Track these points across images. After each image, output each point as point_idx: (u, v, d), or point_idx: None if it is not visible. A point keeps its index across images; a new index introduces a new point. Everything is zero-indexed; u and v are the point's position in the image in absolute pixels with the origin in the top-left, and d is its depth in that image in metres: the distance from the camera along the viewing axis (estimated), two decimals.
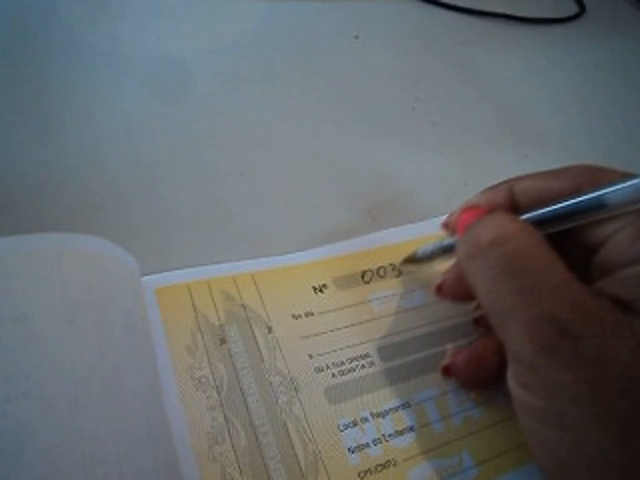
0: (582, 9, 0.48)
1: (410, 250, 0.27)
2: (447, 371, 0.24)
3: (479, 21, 0.46)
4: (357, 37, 0.42)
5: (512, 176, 0.33)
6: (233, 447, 0.21)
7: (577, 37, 0.46)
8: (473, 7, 0.46)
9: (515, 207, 0.22)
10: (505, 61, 0.42)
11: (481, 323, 0.25)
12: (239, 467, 0.20)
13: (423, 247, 0.25)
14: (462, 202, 0.31)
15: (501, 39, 0.44)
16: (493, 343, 0.22)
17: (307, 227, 0.29)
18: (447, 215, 0.24)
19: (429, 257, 0.25)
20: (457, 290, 0.23)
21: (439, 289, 0.24)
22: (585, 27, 0.47)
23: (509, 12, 0.46)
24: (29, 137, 0.31)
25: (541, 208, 0.20)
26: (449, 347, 0.25)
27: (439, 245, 0.24)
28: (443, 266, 0.24)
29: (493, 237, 0.18)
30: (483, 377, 0.23)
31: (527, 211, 0.21)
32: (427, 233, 0.29)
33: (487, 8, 0.46)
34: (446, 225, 0.24)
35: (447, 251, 0.24)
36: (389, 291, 0.26)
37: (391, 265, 0.27)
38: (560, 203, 0.20)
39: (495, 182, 0.33)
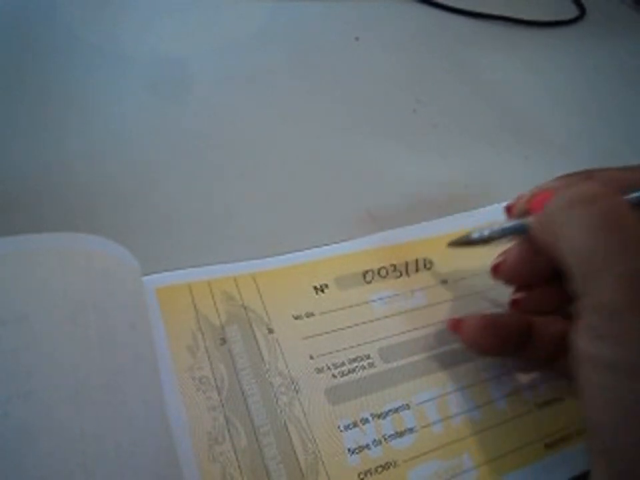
0: (582, 12, 0.49)
1: (410, 251, 0.27)
2: (455, 326, 0.24)
3: (479, 24, 0.46)
4: (357, 39, 0.42)
5: (513, 178, 0.34)
6: (233, 447, 0.21)
7: (577, 40, 0.46)
8: (473, 10, 0.46)
9: None
10: (505, 64, 0.42)
11: (518, 305, 0.24)
12: (239, 467, 0.20)
13: (479, 230, 0.25)
14: (462, 203, 0.31)
15: (501, 41, 0.45)
16: (512, 318, 0.23)
17: (308, 227, 0.29)
18: (506, 203, 0.24)
19: (486, 239, 0.24)
20: (516, 271, 0.23)
21: (496, 269, 0.24)
22: (585, 30, 0.47)
23: (509, 15, 0.46)
24: (29, 136, 0.31)
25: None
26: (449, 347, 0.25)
27: (500, 227, 0.24)
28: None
29: (594, 192, 0.19)
30: (488, 342, 0.23)
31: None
32: (428, 234, 0.29)
33: (487, 10, 0.46)
34: (510, 208, 0.24)
35: (508, 233, 0.23)
36: (390, 291, 0.26)
37: (392, 265, 0.27)
38: None
39: (495, 185, 0.33)
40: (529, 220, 0.22)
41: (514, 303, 0.24)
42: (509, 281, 0.24)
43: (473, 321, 0.24)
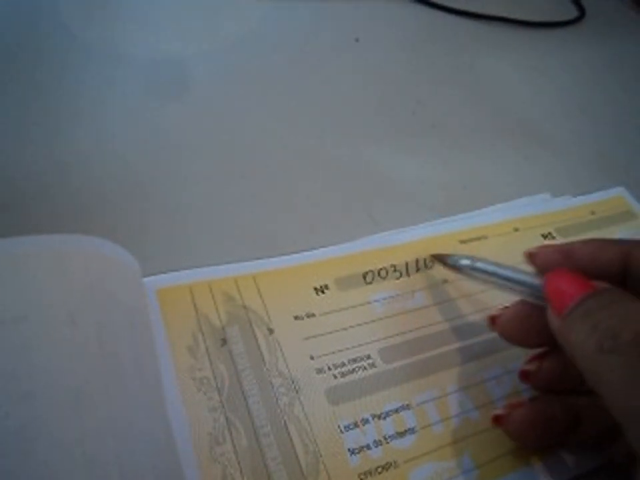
0: (582, 13, 0.49)
1: (410, 251, 0.27)
2: (498, 420, 0.22)
3: (479, 25, 0.46)
4: (357, 40, 0.42)
5: (512, 179, 0.34)
6: (233, 447, 0.21)
7: (577, 41, 0.46)
8: (473, 11, 0.46)
9: (623, 277, 0.20)
10: (505, 65, 0.42)
11: (527, 378, 0.22)
12: (239, 467, 0.20)
13: (463, 258, 0.24)
14: (462, 204, 0.31)
15: (501, 42, 0.45)
16: (557, 407, 0.21)
17: (308, 228, 0.29)
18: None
19: (465, 270, 0.23)
20: (514, 330, 0.22)
21: (493, 321, 0.22)
22: (584, 31, 0.47)
23: (509, 16, 0.46)
24: (29, 138, 0.31)
25: None
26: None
27: (526, 280, 0.21)
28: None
29: (636, 332, 0.16)
30: (535, 438, 0.22)
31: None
32: (428, 235, 0.29)
33: (487, 11, 0.46)
34: (531, 256, 0.22)
35: (525, 286, 0.21)
36: (390, 292, 0.26)
37: (392, 266, 0.27)
38: None
39: (495, 186, 0.33)
40: (553, 320, 0.19)
41: (523, 375, 0.22)
42: (506, 338, 0.22)
43: (519, 416, 0.21)
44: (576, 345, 0.18)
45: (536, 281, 0.21)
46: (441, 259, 0.26)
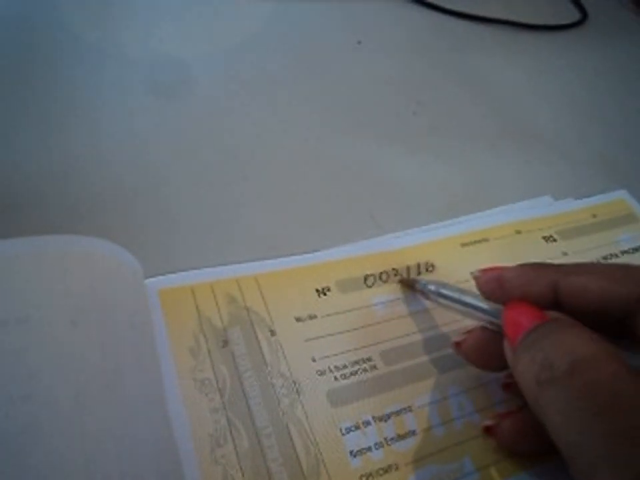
0: (584, 16, 0.49)
1: (412, 255, 0.27)
2: (489, 431, 0.22)
3: (481, 27, 0.46)
4: (359, 42, 0.42)
5: (513, 182, 0.34)
6: (235, 449, 0.21)
7: (579, 44, 0.46)
8: (475, 13, 0.46)
9: (557, 304, 0.20)
10: (506, 67, 0.43)
11: (510, 389, 0.23)
12: (240, 469, 0.20)
13: (430, 283, 0.25)
14: (463, 207, 0.31)
15: (503, 45, 0.45)
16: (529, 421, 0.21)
17: (310, 230, 0.29)
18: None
19: (432, 296, 0.24)
20: (477, 355, 0.22)
21: (458, 346, 0.23)
22: (587, 34, 0.47)
23: (511, 18, 0.46)
24: (32, 139, 0.31)
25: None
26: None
27: (459, 296, 0.23)
28: None
29: (571, 362, 0.16)
30: (527, 447, 0.22)
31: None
32: (430, 237, 0.29)
33: (489, 14, 0.46)
34: (475, 279, 0.22)
35: (461, 304, 0.23)
36: (391, 295, 0.26)
37: (393, 269, 0.27)
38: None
39: (496, 188, 0.33)
40: (507, 350, 0.19)
41: (505, 386, 0.23)
42: (470, 361, 0.23)
43: (508, 425, 0.22)
44: (521, 376, 0.18)
45: (496, 310, 0.21)
46: (409, 283, 0.26)
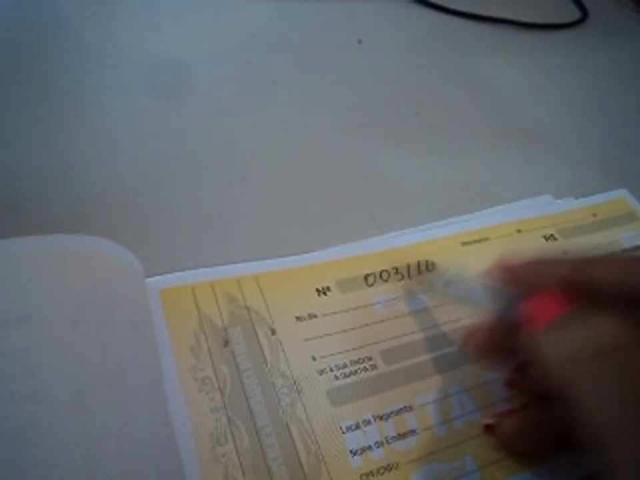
0: (584, 15, 0.49)
1: (412, 253, 0.27)
2: (489, 430, 0.22)
3: (482, 27, 0.46)
4: (360, 42, 0.42)
5: (513, 181, 0.34)
6: (235, 448, 0.21)
7: (580, 43, 0.46)
8: (476, 13, 0.46)
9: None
10: (507, 67, 0.42)
11: (513, 386, 0.23)
12: (241, 468, 0.20)
13: (445, 279, 0.25)
14: (464, 206, 0.31)
15: (503, 44, 0.45)
16: (548, 415, 0.21)
17: (310, 229, 0.29)
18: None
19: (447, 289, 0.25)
20: (487, 349, 0.22)
21: (466, 342, 0.23)
22: (587, 33, 0.47)
23: (512, 17, 0.46)
24: (34, 139, 0.31)
25: None
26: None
27: (499, 303, 0.22)
28: None
29: (606, 342, 0.16)
30: (527, 446, 0.22)
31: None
32: (430, 236, 0.29)
33: (490, 13, 0.46)
34: (489, 271, 0.22)
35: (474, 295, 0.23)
36: (391, 294, 0.26)
37: (394, 268, 0.27)
38: None
39: (496, 188, 0.33)
40: (528, 336, 0.19)
41: (508, 383, 0.23)
42: (480, 357, 0.22)
43: (509, 425, 0.22)
44: (549, 357, 0.18)
45: (509, 300, 0.21)
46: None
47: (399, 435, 0.22)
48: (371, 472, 0.21)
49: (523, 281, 0.21)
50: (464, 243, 0.29)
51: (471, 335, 0.22)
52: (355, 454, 0.22)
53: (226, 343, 0.23)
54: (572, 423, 0.17)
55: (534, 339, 0.19)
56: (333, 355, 0.24)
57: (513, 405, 0.23)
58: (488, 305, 0.22)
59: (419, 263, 0.28)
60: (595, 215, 0.32)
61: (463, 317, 0.26)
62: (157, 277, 0.25)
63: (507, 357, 0.21)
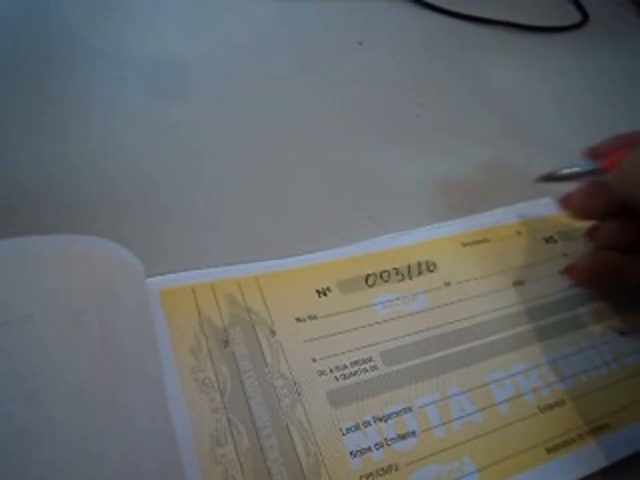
0: (585, 18, 0.49)
1: (413, 254, 0.27)
2: (570, 272, 0.27)
3: (482, 29, 0.46)
4: (360, 43, 0.42)
5: (514, 183, 0.34)
6: (235, 449, 0.21)
7: (580, 45, 0.46)
8: (477, 15, 0.46)
9: None
10: (508, 69, 0.43)
11: (595, 235, 0.27)
12: (241, 469, 0.20)
13: (566, 168, 0.28)
14: (465, 207, 0.31)
15: (504, 46, 0.45)
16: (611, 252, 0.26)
17: (310, 230, 0.29)
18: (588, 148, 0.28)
19: (571, 176, 0.28)
20: (584, 205, 0.27)
21: (565, 201, 0.27)
22: (588, 36, 0.47)
23: (512, 20, 0.46)
24: (32, 139, 0.31)
25: None
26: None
27: (587, 168, 0.27)
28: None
29: None
30: (604, 282, 0.27)
31: None
32: (431, 237, 0.29)
33: (491, 16, 0.46)
34: (593, 151, 0.27)
35: (591, 173, 0.27)
36: (392, 295, 0.26)
37: (394, 269, 0.27)
38: None
39: (497, 189, 0.33)
40: (608, 176, 0.25)
41: (591, 232, 0.27)
42: (576, 214, 0.27)
43: (583, 262, 0.27)
44: (623, 169, 0.23)
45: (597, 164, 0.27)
46: (551, 177, 0.29)
47: (399, 436, 0.22)
48: (370, 473, 0.21)
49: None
50: (464, 244, 0.29)
51: (569, 195, 0.27)
52: (354, 455, 0.22)
53: (226, 343, 0.23)
54: None
55: (615, 175, 0.24)
56: (333, 356, 0.24)
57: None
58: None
59: (419, 263, 0.28)
60: None
61: (463, 318, 0.26)
62: (157, 277, 0.25)
63: (599, 213, 0.27)
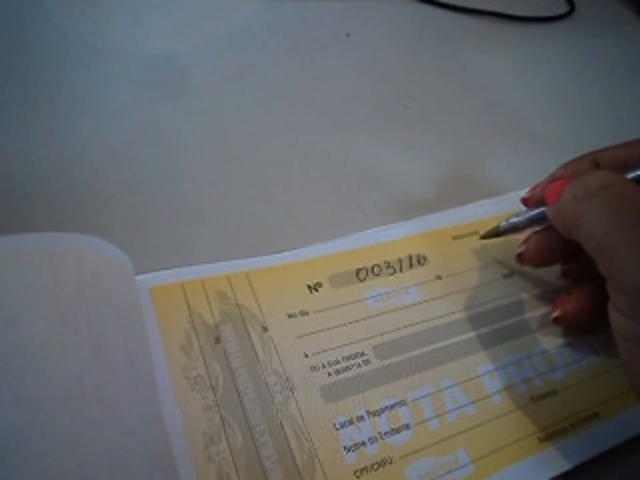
0: (572, 8, 0.49)
1: (403, 247, 0.27)
2: (558, 321, 0.26)
3: (470, 19, 0.46)
4: (348, 35, 0.42)
5: (502, 174, 0.34)
6: (229, 446, 0.21)
7: (567, 36, 0.46)
8: (463, 5, 0.46)
9: None
10: (495, 59, 0.42)
11: (569, 273, 0.27)
12: (235, 466, 0.20)
13: (505, 221, 0.27)
14: (453, 199, 0.31)
15: (491, 37, 0.45)
16: (586, 296, 0.25)
17: (300, 225, 0.29)
18: (525, 190, 0.27)
19: (514, 229, 0.27)
20: (539, 256, 0.26)
21: (520, 257, 0.26)
22: (575, 26, 0.48)
23: (499, 10, 0.46)
24: (18, 135, 0.30)
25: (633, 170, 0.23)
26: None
27: (524, 217, 0.26)
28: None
29: (602, 182, 0.21)
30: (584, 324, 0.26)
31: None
32: (421, 229, 0.29)
33: (478, 6, 0.46)
34: (527, 200, 0.26)
35: (533, 221, 0.26)
36: (383, 289, 0.26)
37: (385, 262, 0.27)
38: None
39: (485, 180, 0.33)
40: (547, 210, 0.24)
41: (564, 273, 0.27)
42: (535, 265, 0.26)
43: (571, 307, 0.25)
44: (560, 208, 0.22)
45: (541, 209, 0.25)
46: (492, 234, 0.28)
47: (393, 429, 0.22)
48: (365, 468, 0.21)
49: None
50: (455, 237, 0.29)
51: (522, 252, 0.26)
52: (349, 450, 0.22)
53: (217, 340, 0.23)
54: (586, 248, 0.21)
55: (553, 207, 0.23)
56: (325, 351, 0.24)
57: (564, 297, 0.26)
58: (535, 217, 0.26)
59: (410, 256, 0.28)
60: None
61: (455, 310, 0.26)
62: (147, 275, 0.24)
63: (556, 260, 0.26)
